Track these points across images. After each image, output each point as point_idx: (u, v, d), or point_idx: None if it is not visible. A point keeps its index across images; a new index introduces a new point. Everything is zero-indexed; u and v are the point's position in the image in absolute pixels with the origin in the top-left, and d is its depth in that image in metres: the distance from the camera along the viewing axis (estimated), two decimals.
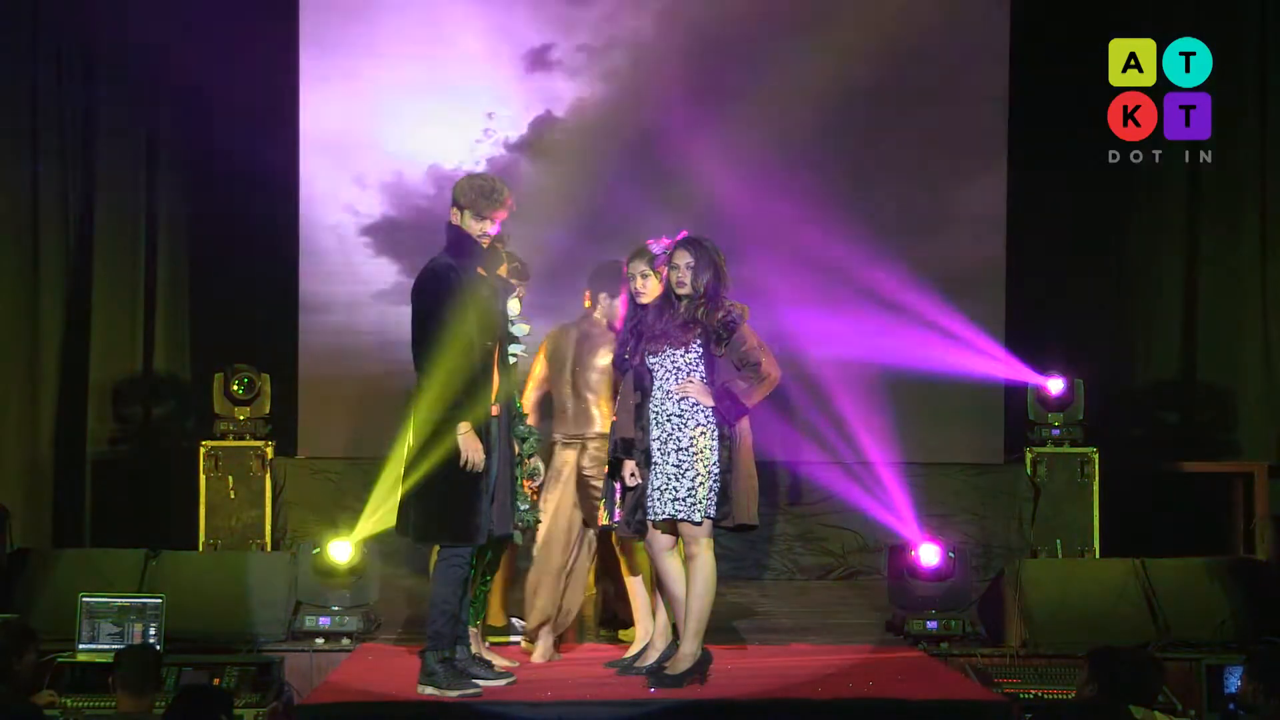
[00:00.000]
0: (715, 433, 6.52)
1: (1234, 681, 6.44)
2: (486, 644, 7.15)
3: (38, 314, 10.35)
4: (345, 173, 10.75)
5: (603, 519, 7.22)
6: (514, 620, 7.59)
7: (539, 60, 10.82)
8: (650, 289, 6.93)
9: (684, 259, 6.62)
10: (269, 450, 9.97)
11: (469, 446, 6.26)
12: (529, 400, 7.36)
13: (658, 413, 6.57)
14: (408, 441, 6.48)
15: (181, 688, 5.96)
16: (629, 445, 6.62)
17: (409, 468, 6.41)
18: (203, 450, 9.90)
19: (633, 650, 7.19)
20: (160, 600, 7.21)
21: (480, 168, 10.27)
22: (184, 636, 7.32)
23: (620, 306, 7.18)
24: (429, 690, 6.35)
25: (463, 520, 6.33)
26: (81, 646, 7.12)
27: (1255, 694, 5.37)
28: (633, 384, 6.67)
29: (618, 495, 6.83)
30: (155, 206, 10.67)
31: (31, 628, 6.47)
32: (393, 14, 10.68)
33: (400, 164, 10.77)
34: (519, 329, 6.95)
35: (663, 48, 10.70)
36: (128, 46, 10.43)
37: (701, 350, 6.56)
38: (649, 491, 6.55)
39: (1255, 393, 10.64)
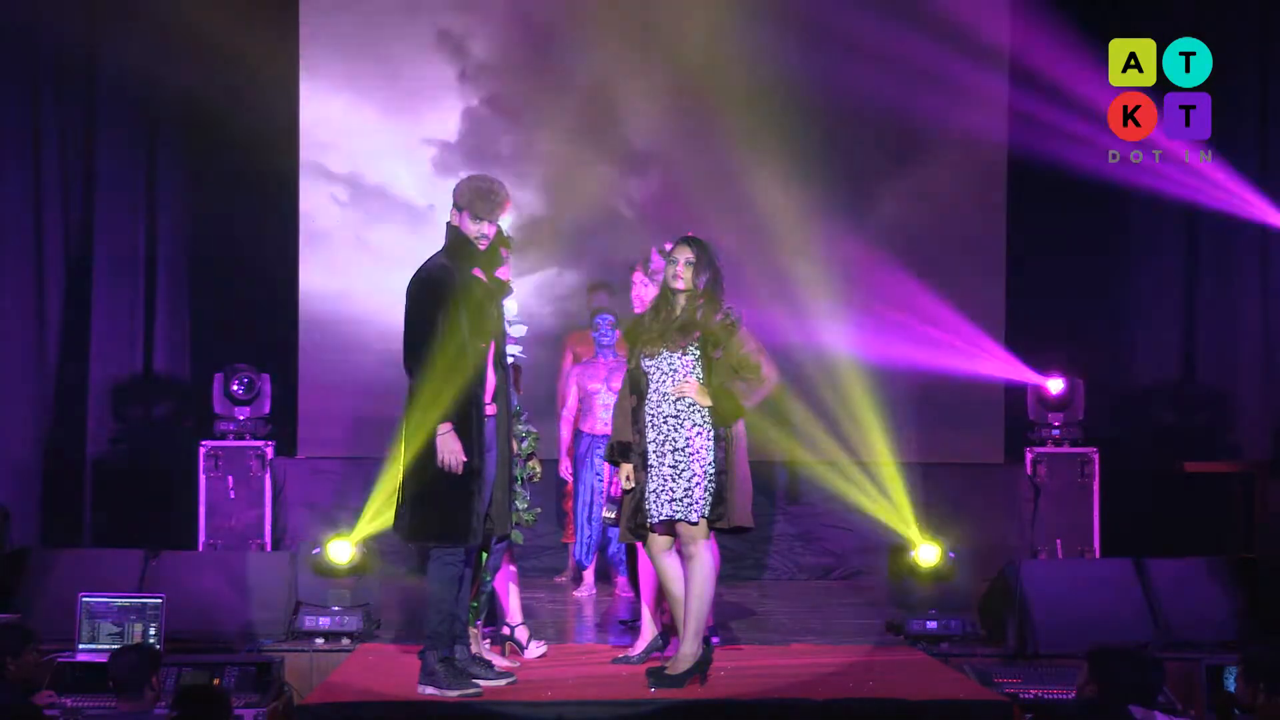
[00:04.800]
0: (711, 433, 6.51)
1: (1233, 681, 6.43)
2: (488, 644, 7.15)
3: (38, 314, 10.35)
4: (346, 172, 10.76)
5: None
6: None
7: (544, 65, 10.84)
8: (648, 297, 7.02)
9: (684, 254, 6.60)
10: (269, 450, 9.98)
11: (446, 448, 6.26)
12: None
13: (653, 415, 6.56)
14: (402, 441, 6.48)
15: (181, 688, 5.96)
16: (626, 448, 6.61)
17: (403, 468, 6.43)
18: (203, 450, 9.90)
19: (639, 650, 7.20)
20: (160, 600, 7.21)
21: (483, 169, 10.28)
22: (184, 636, 7.31)
23: None
24: (429, 690, 6.35)
25: (453, 520, 6.33)
26: (81, 646, 7.12)
27: (1254, 694, 5.35)
28: (629, 387, 6.67)
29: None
30: (155, 207, 10.68)
31: (29, 628, 6.46)
32: (393, 14, 10.73)
33: (401, 164, 10.78)
34: (516, 330, 6.95)
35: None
36: (128, 46, 10.44)
37: (699, 352, 6.55)
38: (646, 494, 6.55)
39: (1254, 393, 10.63)
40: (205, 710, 5.31)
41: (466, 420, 6.31)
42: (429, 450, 6.28)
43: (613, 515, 7.24)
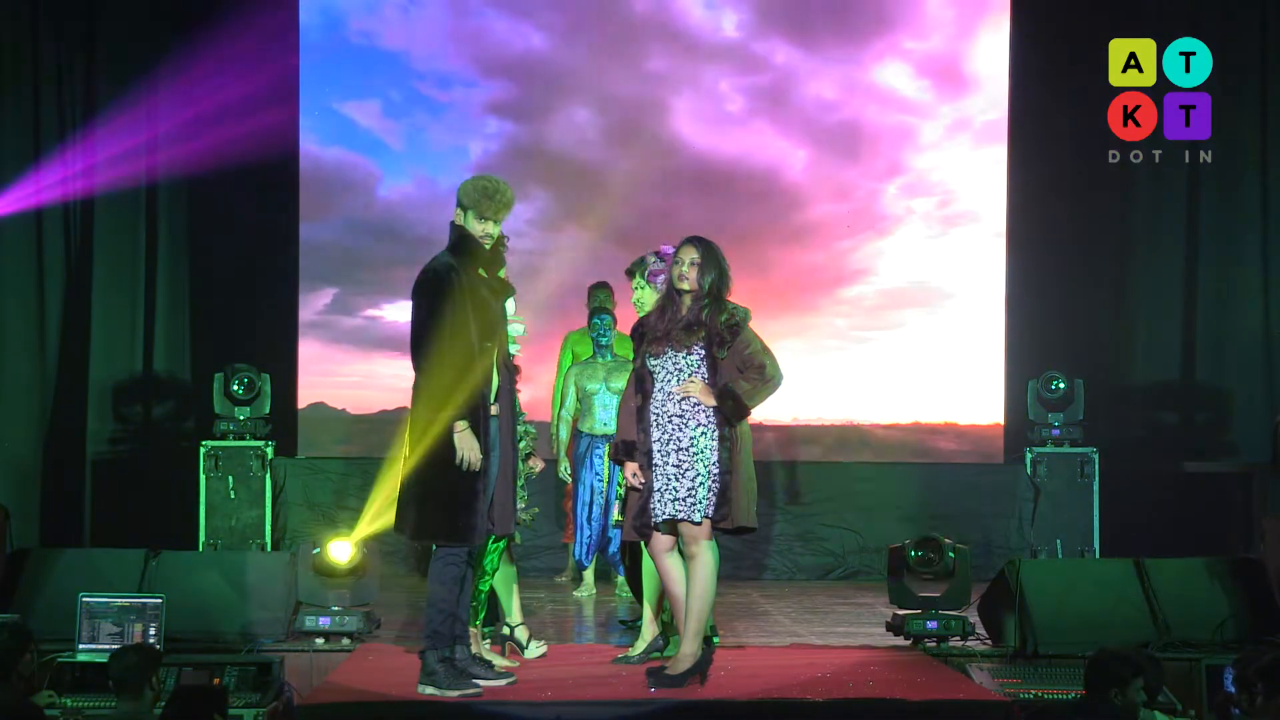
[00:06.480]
0: (716, 433, 6.50)
1: (1230, 684, 6.42)
2: (488, 644, 7.15)
3: (38, 314, 10.35)
4: (346, 171, 10.78)
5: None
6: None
7: (542, 68, 10.85)
8: (647, 300, 7.02)
9: (690, 255, 6.58)
10: (269, 450, 9.98)
11: (465, 445, 6.25)
12: None
13: (658, 414, 6.55)
14: (407, 440, 6.47)
15: (177, 687, 5.95)
16: (630, 447, 6.61)
17: (407, 466, 6.42)
18: (203, 450, 9.91)
19: (638, 650, 7.20)
20: (160, 600, 7.20)
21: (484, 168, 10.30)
22: (184, 636, 7.31)
23: None
24: (429, 690, 6.34)
25: (458, 520, 6.32)
26: (81, 646, 7.10)
27: (1251, 697, 5.34)
28: (634, 386, 6.66)
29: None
30: (155, 207, 10.68)
31: (29, 628, 6.45)
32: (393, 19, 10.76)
33: (401, 163, 10.79)
34: (515, 329, 6.95)
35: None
36: (129, 44, 10.45)
37: (704, 352, 6.54)
38: (650, 493, 6.54)
39: (1254, 393, 10.63)
40: (198, 710, 5.31)
41: (474, 420, 6.31)
42: (438, 449, 6.26)
43: (622, 518, 7.24)
